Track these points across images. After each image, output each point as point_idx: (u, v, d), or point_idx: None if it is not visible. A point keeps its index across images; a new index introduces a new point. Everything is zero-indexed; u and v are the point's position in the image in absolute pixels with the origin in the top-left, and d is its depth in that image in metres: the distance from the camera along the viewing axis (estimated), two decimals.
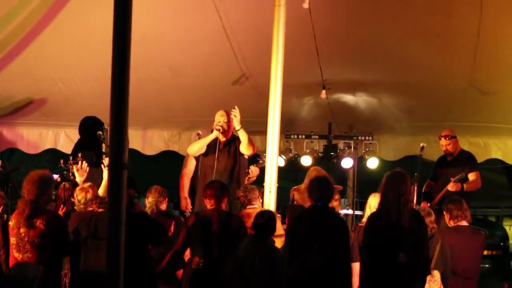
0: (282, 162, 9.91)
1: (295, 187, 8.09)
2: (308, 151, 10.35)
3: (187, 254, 6.38)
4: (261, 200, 7.05)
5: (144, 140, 10.78)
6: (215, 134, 7.69)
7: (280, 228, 6.68)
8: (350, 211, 10.62)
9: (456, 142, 8.68)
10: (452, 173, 8.35)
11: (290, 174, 9.41)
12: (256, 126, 8.58)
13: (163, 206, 7.30)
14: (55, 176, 6.98)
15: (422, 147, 8.75)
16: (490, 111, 9.47)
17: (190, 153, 8.20)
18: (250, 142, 7.62)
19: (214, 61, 8.34)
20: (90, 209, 6.22)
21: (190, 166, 8.28)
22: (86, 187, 6.57)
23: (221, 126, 7.65)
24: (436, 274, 6.30)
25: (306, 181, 7.69)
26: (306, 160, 10.09)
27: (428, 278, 5.96)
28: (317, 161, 10.10)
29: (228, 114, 7.63)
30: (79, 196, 6.46)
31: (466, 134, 9.95)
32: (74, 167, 7.24)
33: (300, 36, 7.37)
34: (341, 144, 10.53)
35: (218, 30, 7.56)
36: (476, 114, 9.62)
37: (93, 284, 5.45)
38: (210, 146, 7.77)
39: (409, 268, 5.59)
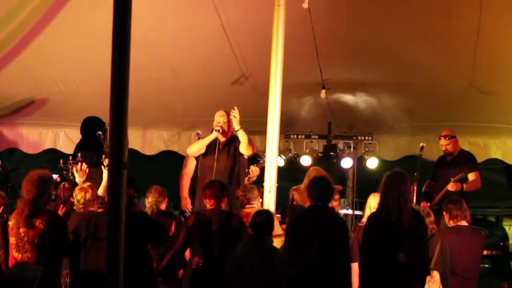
0: (281, 162, 9.91)
1: (295, 187, 8.09)
2: (307, 151, 10.35)
3: (189, 254, 6.38)
4: (260, 200, 7.05)
5: (144, 140, 10.79)
6: (214, 135, 7.69)
7: (278, 228, 6.68)
8: (349, 211, 10.63)
9: (456, 142, 8.68)
10: (452, 173, 8.35)
11: (289, 174, 9.42)
12: (256, 126, 8.59)
13: (163, 206, 7.31)
14: (55, 176, 6.98)
15: (422, 147, 8.76)
16: (490, 111, 9.48)
17: (189, 153, 8.20)
18: (250, 142, 7.62)
19: (213, 61, 8.34)
20: (92, 209, 6.23)
21: (190, 166, 8.29)
22: (85, 187, 6.58)
23: (221, 127, 7.65)
24: (436, 274, 6.30)
25: (306, 181, 7.69)
26: (305, 160, 10.10)
27: (428, 278, 5.96)
28: (316, 161, 10.10)
29: (227, 114, 7.62)
30: (78, 196, 6.47)
31: (466, 134, 9.95)
32: (74, 167, 7.24)
33: (299, 36, 7.37)
34: (340, 144, 10.53)
35: (217, 30, 7.56)
36: (476, 114, 9.62)
37: (93, 284, 5.45)
38: (209, 146, 7.77)
39: (409, 268, 5.60)
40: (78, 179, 7.20)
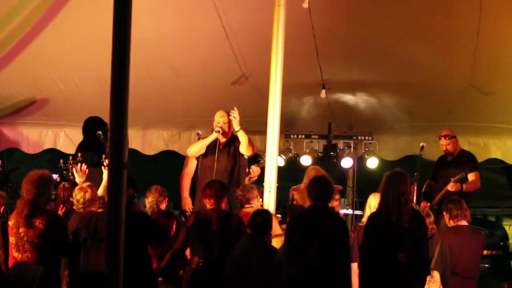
0: (281, 162, 9.91)
1: (295, 186, 8.10)
2: (307, 151, 10.35)
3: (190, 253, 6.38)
4: (260, 200, 7.05)
5: (144, 140, 10.79)
6: (214, 135, 7.68)
7: (277, 228, 6.68)
8: (349, 211, 10.63)
9: (456, 142, 8.67)
10: (452, 173, 8.35)
11: (289, 174, 9.41)
12: (256, 126, 8.59)
13: (163, 206, 7.31)
14: (55, 176, 6.99)
15: (422, 147, 8.76)
16: (490, 111, 9.47)
17: (189, 154, 8.20)
18: (250, 142, 7.62)
19: (214, 61, 8.34)
20: (93, 209, 6.23)
21: (191, 166, 8.29)
22: (85, 187, 6.58)
23: (221, 127, 7.65)
24: (436, 274, 6.30)
25: (305, 180, 7.70)
26: (306, 160, 10.09)
27: (428, 278, 5.96)
28: (316, 161, 10.09)
29: (227, 115, 7.62)
30: (77, 196, 6.47)
31: (466, 134, 9.95)
32: (74, 167, 7.25)
33: (299, 36, 7.37)
34: (340, 144, 10.52)
35: (217, 30, 7.56)
36: (476, 114, 9.62)
37: (93, 285, 5.45)
38: (210, 146, 7.77)
39: (409, 268, 5.59)
40: (78, 179, 7.20)
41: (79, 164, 7.23)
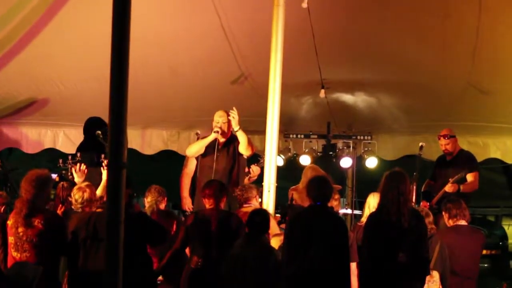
0: (281, 162, 9.91)
1: (294, 187, 8.09)
2: (307, 150, 10.34)
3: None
4: (259, 200, 7.05)
5: (143, 139, 10.78)
6: (213, 136, 7.68)
7: (275, 228, 6.68)
8: (349, 211, 10.62)
9: (455, 142, 8.67)
10: (451, 173, 8.34)
11: (289, 173, 9.41)
12: (255, 126, 8.59)
13: (162, 206, 7.31)
14: (54, 176, 6.98)
15: (421, 147, 8.76)
16: (489, 110, 9.48)
17: (188, 154, 8.21)
18: (249, 142, 7.62)
19: (213, 60, 8.35)
20: (94, 209, 6.22)
21: (190, 166, 8.29)
22: (83, 186, 6.58)
23: (220, 127, 7.65)
24: (435, 274, 6.30)
25: (303, 179, 7.70)
26: (305, 160, 10.08)
27: (427, 278, 5.95)
28: (316, 161, 10.08)
29: (227, 114, 7.62)
30: (76, 195, 6.47)
31: (465, 134, 9.95)
32: (73, 167, 7.25)
33: (299, 36, 7.37)
34: (340, 144, 10.51)
35: (217, 30, 7.56)
36: (475, 113, 9.62)
37: (92, 285, 5.44)
38: (209, 146, 7.77)
39: (408, 268, 5.59)
40: (77, 179, 7.20)
41: (78, 164, 7.23)
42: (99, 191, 6.69)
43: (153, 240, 5.89)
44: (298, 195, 7.60)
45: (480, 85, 8.67)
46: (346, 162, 10.21)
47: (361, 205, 9.03)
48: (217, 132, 7.63)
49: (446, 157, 8.73)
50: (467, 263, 6.86)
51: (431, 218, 6.55)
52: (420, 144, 8.80)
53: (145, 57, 7.81)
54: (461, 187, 8.20)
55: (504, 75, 8.35)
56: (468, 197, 8.12)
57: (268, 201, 6.84)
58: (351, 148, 10.35)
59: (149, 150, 10.91)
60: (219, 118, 7.69)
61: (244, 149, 7.62)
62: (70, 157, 7.36)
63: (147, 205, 7.29)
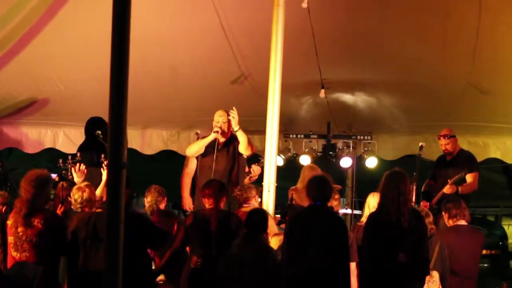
0: (281, 162, 9.91)
1: (293, 187, 8.09)
2: (307, 150, 10.34)
3: None
4: (259, 200, 7.05)
5: (143, 139, 10.78)
6: (213, 136, 7.68)
7: (274, 227, 6.68)
8: (349, 211, 10.62)
9: (455, 142, 8.66)
10: (451, 173, 8.33)
11: (289, 173, 9.41)
12: (255, 126, 8.59)
13: (162, 206, 7.31)
14: (53, 176, 6.98)
15: (421, 147, 8.75)
16: (489, 110, 9.48)
17: (188, 154, 8.21)
18: (249, 142, 7.62)
19: (213, 60, 8.35)
20: (94, 209, 6.22)
21: (191, 166, 8.29)
22: (83, 186, 6.58)
23: (220, 127, 7.65)
24: (435, 274, 6.30)
25: (302, 178, 7.73)
26: (305, 160, 10.08)
27: (427, 278, 5.95)
28: (316, 161, 10.08)
29: (227, 114, 7.62)
30: (75, 195, 6.47)
31: (465, 134, 9.95)
32: (73, 167, 7.25)
33: (299, 36, 7.37)
34: (340, 144, 10.51)
35: (217, 30, 7.56)
36: (475, 113, 9.62)
37: (92, 285, 5.44)
38: (209, 146, 7.77)
39: (409, 268, 5.59)
40: (76, 179, 7.21)
41: (77, 164, 7.24)
42: (98, 192, 6.69)
43: (152, 243, 5.88)
44: (298, 195, 7.61)
45: (480, 85, 8.66)
46: (346, 162, 10.21)
47: (361, 205, 9.04)
48: (217, 132, 7.64)
49: (446, 157, 8.72)
50: (467, 263, 6.86)
51: (431, 218, 6.55)
52: (420, 144, 8.80)
53: (145, 57, 7.81)
54: (460, 188, 8.17)
55: (504, 75, 8.35)
56: (468, 197, 8.11)
57: (268, 201, 6.83)
58: (351, 148, 10.35)
59: (149, 150, 10.90)
60: (219, 118, 7.69)
61: (244, 149, 7.62)
62: (70, 157, 7.36)
63: (147, 205, 7.30)
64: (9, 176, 8.47)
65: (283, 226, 6.89)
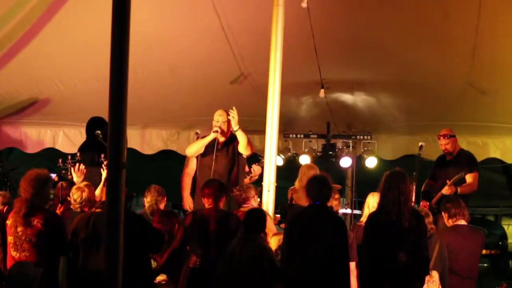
0: (280, 162, 9.92)
1: (292, 187, 8.10)
2: (306, 150, 10.35)
3: None
4: (258, 200, 7.05)
5: (143, 139, 10.79)
6: (213, 135, 7.69)
7: (273, 227, 6.68)
8: (348, 211, 10.63)
9: (455, 141, 8.65)
10: (451, 173, 8.32)
11: (288, 173, 9.42)
12: (255, 126, 8.59)
13: (162, 206, 7.31)
14: (53, 176, 6.98)
15: (421, 147, 8.75)
16: (488, 110, 9.47)
17: (188, 154, 8.21)
18: (248, 142, 7.62)
19: (212, 60, 8.34)
20: (93, 209, 6.22)
21: (191, 166, 8.29)
22: (82, 186, 6.58)
23: (219, 126, 7.66)
24: (435, 274, 6.30)
25: (300, 177, 7.73)
26: (304, 159, 10.08)
27: (427, 278, 5.95)
28: (315, 160, 10.09)
29: (226, 114, 7.63)
30: (75, 195, 6.48)
31: (464, 134, 9.95)
32: (72, 167, 7.26)
33: (298, 35, 7.37)
34: (339, 143, 10.52)
35: (216, 30, 7.56)
36: (474, 113, 9.62)
37: (91, 285, 5.44)
38: (208, 146, 7.77)
39: (409, 267, 5.59)
40: (76, 179, 7.21)
41: (77, 164, 7.24)
42: (97, 192, 6.69)
43: (150, 245, 5.82)
44: (297, 195, 7.61)
45: (480, 85, 8.66)
46: (345, 162, 10.21)
47: (360, 205, 9.04)
48: (217, 131, 7.64)
49: (446, 157, 8.71)
50: (466, 262, 6.86)
51: (430, 218, 6.55)
52: (420, 143, 8.79)
53: (145, 57, 7.81)
54: (459, 189, 8.16)
55: (504, 75, 8.34)
56: (467, 197, 8.10)
57: (268, 201, 6.83)
58: (350, 147, 10.36)
59: (148, 150, 10.91)
60: (218, 117, 7.70)
61: (243, 148, 7.62)
62: (69, 157, 7.36)
63: (146, 205, 7.30)
64: (9, 175, 8.47)
65: (283, 226, 6.90)
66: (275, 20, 6.73)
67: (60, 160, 7.37)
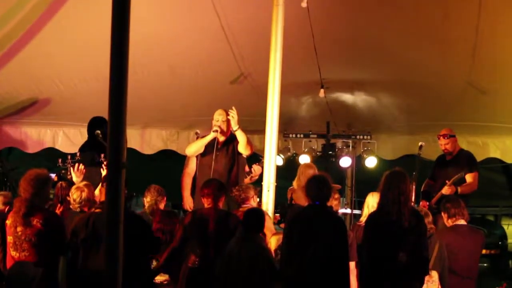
0: (280, 161, 9.92)
1: (291, 187, 8.11)
2: (306, 150, 10.35)
3: None
4: (258, 200, 7.05)
5: (143, 139, 10.79)
6: (212, 135, 7.69)
7: (272, 227, 6.68)
8: (348, 210, 10.63)
9: (455, 141, 8.65)
10: (451, 173, 8.32)
11: (288, 173, 9.42)
12: (255, 125, 8.59)
13: (162, 205, 7.31)
14: (52, 175, 6.98)
15: (421, 146, 8.75)
16: (488, 110, 9.47)
17: (188, 154, 8.22)
18: (248, 141, 7.63)
19: (212, 60, 8.34)
20: (93, 209, 6.21)
21: (191, 166, 8.29)
22: (82, 186, 6.59)
23: (219, 126, 7.66)
24: (435, 274, 6.30)
25: (298, 177, 7.73)
26: (304, 159, 10.09)
27: (427, 278, 5.95)
28: (315, 160, 10.10)
29: (226, 113, 7.63)
30: (74, 195, 6.48)
31: (464, 134, 9.95)
32: (72, 167, 7.26)
33: (298, 35, 7.37)
34: (339, 143, 10.53)
35: (216, 29, 7.55)
36: (474, 113, 9.62)
37: (91, 285, 5.44)
38: (208, 146, 7.78)
39: (408, 267, 5.59)
40: (75, 179, 7.22)
41: (76, 164, 7.24)
42: (97, 192, 6.69)
43: (148, 246, 5.82)
44: (296, 195, 7.62)
45: (480, 85, 8.66)
46: (345, 162, 10.21)
47: (360, 205, 9.04)
48: (216, 131, 7.65)
49: (446, 157, 8.71)
50: (466, 262, 6.86)
51: (430, 218, 6.55)
52: (420, 143, 8.79)
53: (145, 57, 7.81)
54: (459, 189, 8.16)
55: (504, 75, 8.34)
56: (467, 197, 8.10)
57: (268, 201, 6.83)
58: (350, 147, 10.37)
59: (148, 150, 10.91)
60: (218, 116, 7.71)
61: (243, 148, 7.63)
62: (69, 157, 7.36)
63: (146, 204, 7.30)
64: (9, 175, 8.47)
65: (283, 225, 6.90)
66: (275, 20, 6.73)
67: (60, 160, 7.37)
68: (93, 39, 7.35)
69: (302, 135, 10.55)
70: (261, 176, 7.53)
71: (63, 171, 7.36)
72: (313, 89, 8.91)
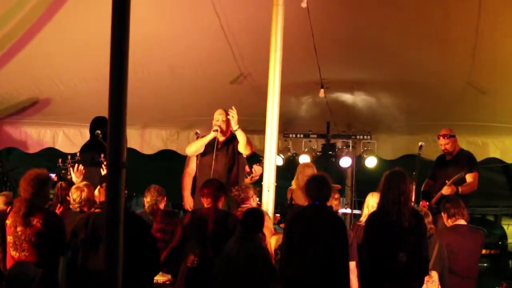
0: (280, 161, 9.92)
1: (291, 187, 8.10)
2: (306, 150, 10.36)
3: None
4: (257, 200, 7.05)
5: (143, 139, 10.79)
6: (212, 134, 7.70)
7: (271, 227, 6.68)
8: (348, 210, 10.63)
9: (454, 141, 8.65)
10: (451, 173, 8.32)
11: (288, 173, 9.43)
12: (255, 125, 8.59)
13: (162, 205, 7.31)
14: (52, 175, 6.99)
15: (421, 146, 8.75)
16: (488, 110, 9.47)
17: (188, 153, 8.22)
18: (248, 141, 7.63)
19: (212, 60, 8.34)
20: (92, 210, 6.21)
21: (192, 165, 8.29)
22: (81, 186, 6.59)
23: (219, 125, 7.66)
24: (434, 274, 6.30)
25: (297, 176, 7.73)
26: (304, 159, 10.09)
27: (426, 278, 5.95)
28: (315, 160, 10.10)
29: (226, 113, 7.63)
30: (74, 195, 6.48)
31: (464, 134, 9.95)
32: (71, 167, 7.26)
33: (298, 35, 7.37)
34: (339, 143, 10.53)
35: (216, 29, 7.55)
36: (474, 113, 9.61)
37: (91, 285, 5.44)
38: (208, 145, 7.78)
39: (408, 267, 5.59)
40: (75, 179, 7.22)
41: (76, 164, 7.24)
42: (97, 192, 6.69)
43: (148, 246, 5.79)
44: (295, 195, 7.62)
45: (480, 85, 8.66)
46: (345, 162, 10.22)
47: (360, 205, 9.04)
48: (216, 130, 7.65)
49: (446, 157, 8.71)
50: (466, 262, 6.87)
51: (430, 218, 6.55)
52: (420, 143, 8.79)
53: (145, 57, 7.81)
54: (460, 188, 8.16)
55: (504, 75, 8.34)
56: (467, 197, 8.10)
57: (268, 201, 6.83)
58: (350, 147, 10.37)
59: (148, 150, 10.91)
60: (218, 116, 7.71)
61: (243, 148, 7.63)
62: (69, 157, 7.37)
63: (146, 204, 7.30)
64: (9, 175, 8.46)
65: (283, 225, 6.90)
66: (275, 20, 6.73)
67: (60, 160, 7.37)
68: (93, 39, 7.35)
69: (302, 135, 10.56)
70: (261, 176, 7.53)
71: (63, 171, 7.36)
72: (313, 89, 8.91)
